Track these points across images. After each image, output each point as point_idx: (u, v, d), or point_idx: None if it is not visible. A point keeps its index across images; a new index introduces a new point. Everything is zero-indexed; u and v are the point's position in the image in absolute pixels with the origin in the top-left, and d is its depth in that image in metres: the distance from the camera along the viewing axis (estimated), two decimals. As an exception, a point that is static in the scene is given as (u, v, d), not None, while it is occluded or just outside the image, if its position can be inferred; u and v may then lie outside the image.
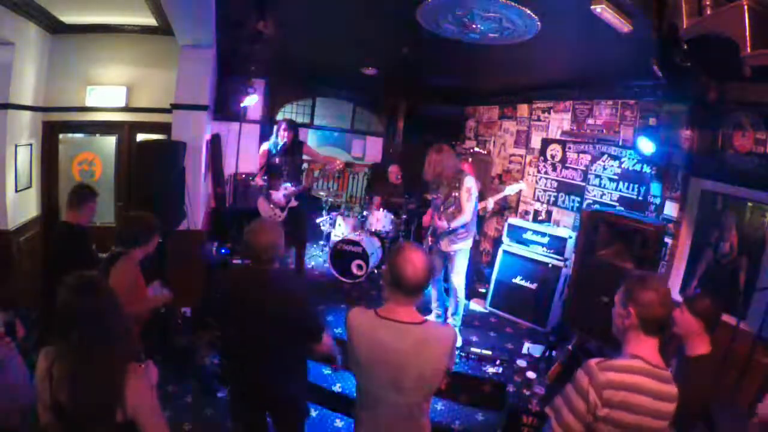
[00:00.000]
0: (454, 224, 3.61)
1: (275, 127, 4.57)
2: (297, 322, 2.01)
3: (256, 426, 2.22)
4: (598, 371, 1.38)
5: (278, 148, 4.50)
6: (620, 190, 4.11)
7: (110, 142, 4.63)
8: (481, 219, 5.04)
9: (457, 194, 3.63)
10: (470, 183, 3.62)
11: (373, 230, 5.23)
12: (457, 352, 3.71)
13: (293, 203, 4.59)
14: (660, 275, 1.61)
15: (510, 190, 4.85)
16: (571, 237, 4.29)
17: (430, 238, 3.81)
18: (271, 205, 4.56)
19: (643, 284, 1.44)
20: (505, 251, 4.64)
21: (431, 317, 4.05)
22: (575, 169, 4.62)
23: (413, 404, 1.64)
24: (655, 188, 3.80)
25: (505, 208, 5.42)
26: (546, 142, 5.00)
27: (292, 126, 4.54)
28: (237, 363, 2.11)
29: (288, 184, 4.55)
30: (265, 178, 4.52)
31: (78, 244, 2.71)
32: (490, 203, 4.79)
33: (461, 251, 3.72)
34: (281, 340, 2.01)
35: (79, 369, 1.41)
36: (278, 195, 4.54)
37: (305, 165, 4.73)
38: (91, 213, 2.89)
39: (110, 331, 1.46)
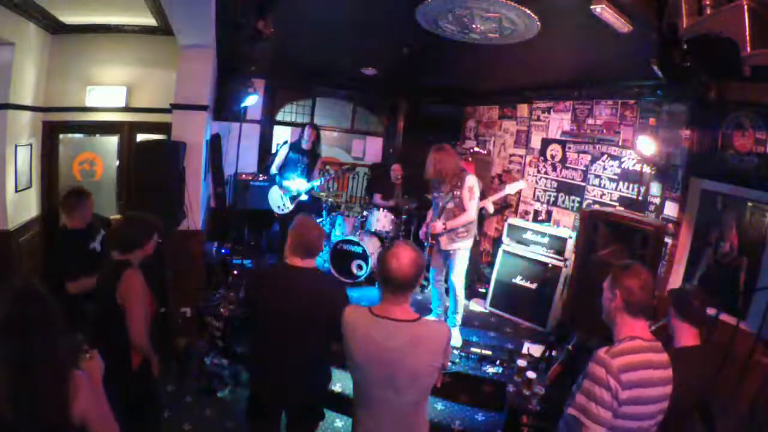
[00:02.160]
0: (456, 223, 3.61)
1: (302, 130, 4.88)
2: (334, 322, 2.01)
3: (272, 429, 2.21)
4: (610, 359, 1.47)
5: (299, 146, 4.85)
6: (620, 190, 4.11)
7: (112, 141, 4.63)
8: (481, 219, 5.03)
9: (458, 192, 3.63)
10: (472, 182, 3.62)
11: (373, 230, 5.23)
12: (457, 352, 3.71)
13: (303, 196, 4.85)
14: (643, 265, 1.68)
15: (510, 189, 4.81)
16: (571, 237, 4.29)
17: (430, 239, 3.81)
18: (281, 196, 4.82)
19: (626, 271, 1.62)
20: (505, 251, 4.64)
21: (431, 317, 4.06)
22: (575, 169, 4.62)
23: (409, 402, 1.64)
24: (655, 188, 3.80)
25: (505, 207, 5.41)
26: (546, 142, 5.00)
27: (316, 128, 4.93)
28: (266, 362, 2.09)
29: (303, 178, 4.81)
30: (278, 171, 4.83)
31: (73, 246, 2.75)
32: (489, 204, 4.72)
33: (461, 250, 3.71)
34: (317, 339, 2.01)
35: (23, 380, 1.29)
36: (292, 185, 4.83)
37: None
38: (84, 215, 2.83)
39: (54, 339, 1.38)
